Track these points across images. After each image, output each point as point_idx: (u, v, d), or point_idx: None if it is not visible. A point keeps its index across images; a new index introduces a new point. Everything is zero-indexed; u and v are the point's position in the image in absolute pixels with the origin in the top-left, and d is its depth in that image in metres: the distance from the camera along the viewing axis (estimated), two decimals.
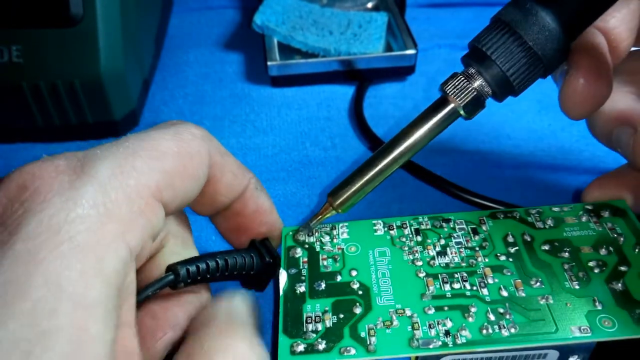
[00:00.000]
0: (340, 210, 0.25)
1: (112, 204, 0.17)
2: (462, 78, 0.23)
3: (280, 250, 0.26)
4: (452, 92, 0.23)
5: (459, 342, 0.21)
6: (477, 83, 0.23)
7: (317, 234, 0.26)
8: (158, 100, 0.42)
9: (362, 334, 0.21)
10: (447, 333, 0.21)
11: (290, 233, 0.26)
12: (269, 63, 0.41)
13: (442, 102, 0.24)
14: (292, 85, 0.43)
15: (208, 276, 0.22)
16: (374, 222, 0.27)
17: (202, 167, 0.21)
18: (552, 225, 0.26)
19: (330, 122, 0.40)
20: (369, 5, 0.49)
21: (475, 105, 0.23)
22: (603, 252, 0.24)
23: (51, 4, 0.34)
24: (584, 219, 0.26)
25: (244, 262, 0.23)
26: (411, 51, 0.42)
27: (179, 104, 0.42)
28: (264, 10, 0.45)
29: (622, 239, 0.25)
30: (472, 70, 0.23)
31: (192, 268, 0.21)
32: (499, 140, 0.38)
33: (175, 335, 0.21)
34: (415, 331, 0.21)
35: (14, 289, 0.14)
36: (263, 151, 0.38)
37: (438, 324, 0.22)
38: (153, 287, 0.20)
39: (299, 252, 0.25)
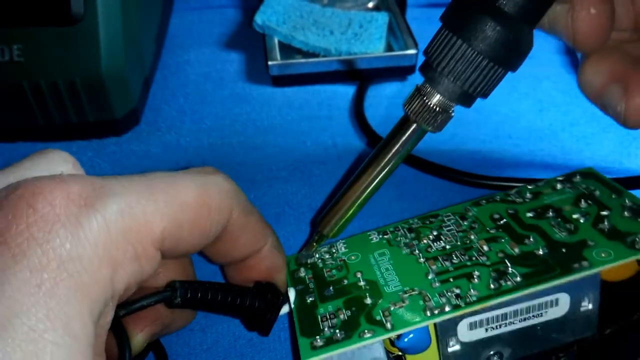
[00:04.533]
0: (331, 236, 0.25)
1: (111, 245, 0.17)
2: (421, 94, 0.22)
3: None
4: (412, 111, 0.22)
5: (470, 300, 0.21)
6: (436, 99, 0.21)
7: (317, 254, 0.26)
8: (159, 99, 0.42)
9: (378, 318, 0.22)
10: (457, 296, 0.22)
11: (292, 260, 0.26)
12: (269, 62, 0.41)
13: (404, 121, 0.23)
14: (292, 85, 0.43)
15: (207, 301, 0.22)
16: (369, 233, 0.27)
17: (216, 224, 0.20)
18: (531, 198, 0.27)
19: (331, 121, 0.40)
20: (370, 5, 0.49)
21: (439, 120, 0.22)
22: (583, 205, 0.25)
23: (52, 2, 0.34)
24: (558, 187, 0.27)
25: (246, 298, 0.23)
26: (412, 51, 0.42)
27: (179, 103, 0.42)
28: (265, 10, 0.45)
29: (597, 192, 0.26)
30: (427, 87, 0.21)
31: (192, 290, 0.21)
32: (499, 140, 0.38)
33: (155, 329, 0.22)
34: (427, 302, 0.22)
35: (15, 318, 0.15)
36: (264, 150, 0.38)
37: (447, 292, 0.22)
38: (148, 300, 0.20)
39: (303, 271, 0.25)
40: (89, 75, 0.35)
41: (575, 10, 0.23)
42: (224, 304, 0.22)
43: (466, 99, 0.21)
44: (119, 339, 0.20)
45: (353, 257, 0.26)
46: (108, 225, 0.17)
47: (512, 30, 0.20)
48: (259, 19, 0.44)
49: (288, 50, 0.44)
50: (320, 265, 0.26)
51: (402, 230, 0.26)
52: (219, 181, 0.21)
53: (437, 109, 0.21)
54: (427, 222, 0.27)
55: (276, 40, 0.44)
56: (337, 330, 0.22)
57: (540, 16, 0.21)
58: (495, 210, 0.26)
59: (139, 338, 0.22)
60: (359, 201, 0.24)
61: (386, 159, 0.23)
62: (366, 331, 0.21)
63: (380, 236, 0.26)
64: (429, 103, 0.21)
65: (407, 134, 0.23)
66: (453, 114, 0.22)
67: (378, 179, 0.24)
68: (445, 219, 0.27)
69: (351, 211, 0.24)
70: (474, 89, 0.21)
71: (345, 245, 0.27)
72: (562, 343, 0.23)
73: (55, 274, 0.15)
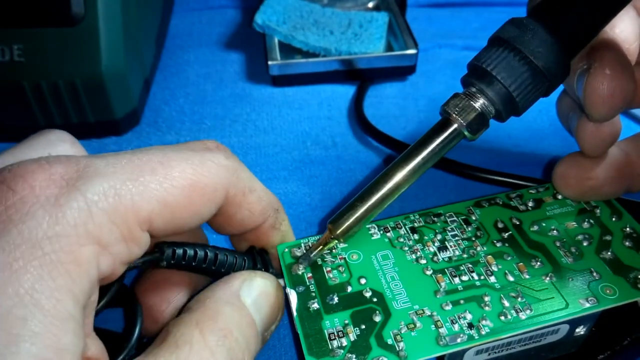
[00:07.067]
0: (341, 240, 0.24)
1: (94, 226, 0.17)
2: (464, 97, 0.23)
3: (281, 265, 0.25)
4: (454, 112, 0.22)
5: (483, 332, 0.21)
6: (480, 102, 0.22)
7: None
8: (159, 100, 0.42)
9: (389, 341, 0.21)
10: (470, 325, 0.22)
11: (287, 250, 0.25)
12: (269, 62, 0.42)
13: (444, 123, 0.23)
14: (292, 85, 0.43)
15: (194, 264, 0.22)
16: (368, 226, 0.26)
17: (210, 204, 0.20)
18: (533, 206, 0.27)
19: (331, 121, 0.40)
20: (370, 5, 0.50)
21: (479, 124, 0.23)
22: (586, 225, 0.26)
23: (53, 3, 0.34)
24: (559, 196, 0.28)
25: (234, 262, 0.23)
26: (412, 51, 0.42)
27: (180, 103, 0.42)
28: (265, 10, 0.45)
29: (597, 210, 0.27)
30: (473, 89, 0.23)
31: (179, 251, 0.21)
32: (499, 140, 0.38)
33: (183, 299, 0.23)
34: (439, 329, 0.22)
35: None
36: (264, 150, 0.38)
37: (459, 318, 0.22)
38: (135, 262, 0.20)
39: (301, 268, 0.25)
40: (90, 76, 0.35)
41: (593, 69, 0.23)
42: (212, 265, 0.22)
43: (508, 106, 0.23)
44: (131, 309, 0.20)
45: (354, 257, 0.25)
46: (89, 206, 0.17)
47: (562, 47, 0.21)
48: (259, 19, 0.44)
49: (288, 50, 0.44)
50: (319, 262, 0.25)
51: (404, 229, 0.26)
52: (218, 158, 0.20)
53: (479, 111, 0.22)
54: (430, 222, 0.26)
55: (276, 40, 0.44)
56: (349, 354, 0.21)
57: (581, 49, 0.23)
58: (498, 216, 0.26)
59: (166, 312, 0.22)
60: (380, 205, 0.23)
61: (417, 161, 0.23)
62: (379, 358, 0.21)
63: (381, 232, 0.26)
64: (474, 104, 0.22)
65: (444, 136, 0.23)
66: (489, 125, 0.23)
67: (405, 183, 0.23)
68: (449, 219, 0.26)
69: (370, 215, 0.24)
70: (518, 93, 0.22)
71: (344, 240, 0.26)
72: (549, 358, 0.25)
73: (30, 252, 0.15)
